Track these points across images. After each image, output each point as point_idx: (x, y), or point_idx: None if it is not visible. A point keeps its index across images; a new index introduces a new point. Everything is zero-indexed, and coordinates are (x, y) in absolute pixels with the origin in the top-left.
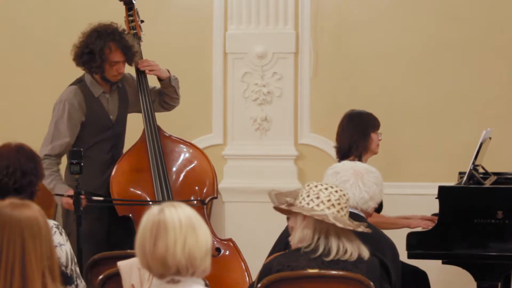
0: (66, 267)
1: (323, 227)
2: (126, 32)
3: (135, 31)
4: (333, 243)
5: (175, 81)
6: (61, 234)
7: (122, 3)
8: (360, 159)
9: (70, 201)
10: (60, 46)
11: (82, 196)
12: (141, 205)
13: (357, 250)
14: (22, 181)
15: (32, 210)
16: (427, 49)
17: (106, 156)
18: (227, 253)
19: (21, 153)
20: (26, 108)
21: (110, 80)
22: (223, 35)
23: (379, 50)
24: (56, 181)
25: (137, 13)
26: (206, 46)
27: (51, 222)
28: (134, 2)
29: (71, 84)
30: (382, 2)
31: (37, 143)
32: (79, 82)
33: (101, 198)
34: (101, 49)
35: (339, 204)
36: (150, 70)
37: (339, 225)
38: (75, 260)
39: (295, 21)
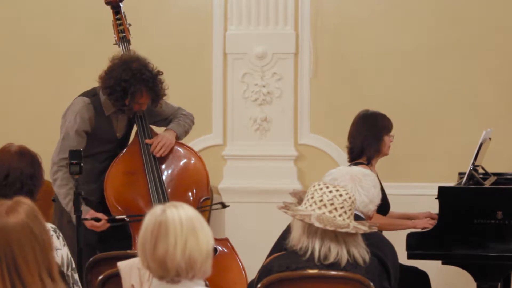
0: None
1: (311, 229)
2: (160, 74)
3: (123, 34)
4: (316, 245)
5: (183, 135)
6: (58, 238)
7: (109, 7)
8: (370, 161)
9: (95, 224)
10: (60, 46)
11: (103, 219)
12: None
13: (345, 252)
14: (23, 189)
15: (19, 215)
16: (427, 49)
17: (101, 165)
18: (223, 253)
19: (22, 159)
20: (26, 108)
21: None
22: (223, 36)
23: (379, 50)
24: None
25: (125, 16)
26: (206, 46)
27: (48, 226)
28: (121, 5)
29: (86, 95)
30: (382, 2)
31: (36, 142)
32: (93, 95)
33: (123, 217)
34: (133, 92)
35: (332, 204)
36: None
37: (318, 225)
38: (73, 266)
39: (295, 21)
